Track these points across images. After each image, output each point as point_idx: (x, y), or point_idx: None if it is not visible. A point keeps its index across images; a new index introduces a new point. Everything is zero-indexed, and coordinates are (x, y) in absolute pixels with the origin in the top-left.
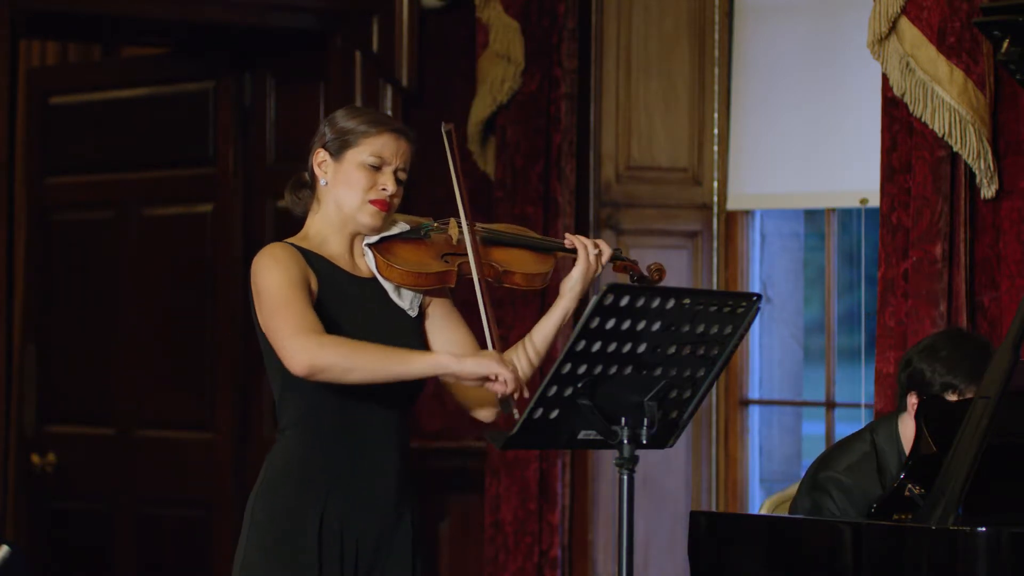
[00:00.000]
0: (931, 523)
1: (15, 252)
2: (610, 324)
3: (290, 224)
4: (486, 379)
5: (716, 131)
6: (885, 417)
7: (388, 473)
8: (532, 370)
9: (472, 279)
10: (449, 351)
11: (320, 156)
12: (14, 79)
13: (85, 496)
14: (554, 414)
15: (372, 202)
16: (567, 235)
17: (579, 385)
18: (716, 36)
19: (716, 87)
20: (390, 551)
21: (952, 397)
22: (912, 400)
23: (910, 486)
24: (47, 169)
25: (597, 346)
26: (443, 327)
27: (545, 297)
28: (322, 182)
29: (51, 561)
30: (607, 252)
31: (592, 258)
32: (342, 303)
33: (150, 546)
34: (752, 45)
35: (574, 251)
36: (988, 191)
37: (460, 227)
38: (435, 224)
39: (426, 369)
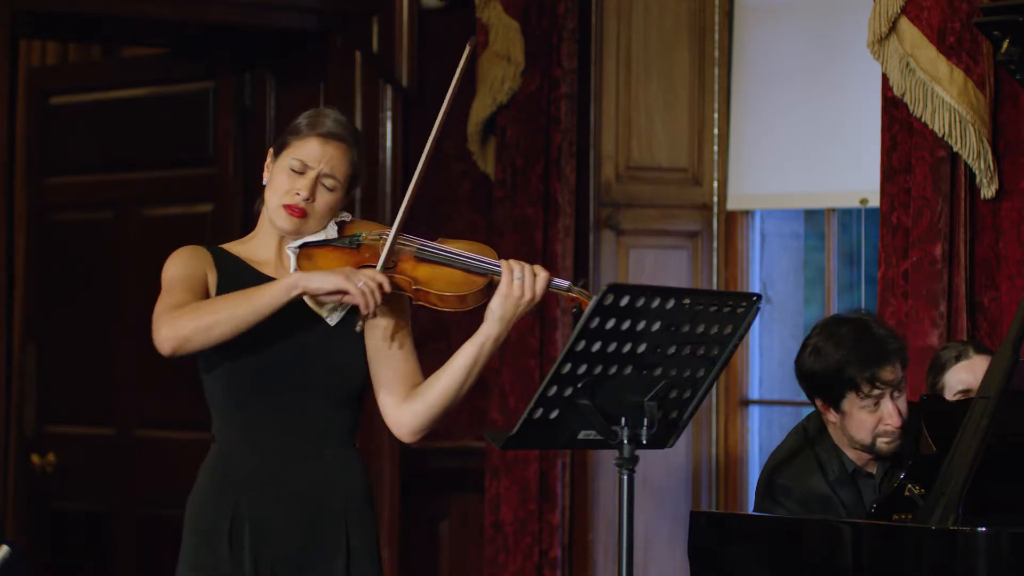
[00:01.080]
0: (931, 523)
1: (15, 252)
2: (610, 324)
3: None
4: (337, 294)
5: (716, 131)
6: (814, 414)
7: (311, 478)
8: (452, 395)
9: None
10: (378, 357)
11: (269, 157)
12: (14, 79)
13: (85, 496)
14: (554, 414)
15: (285, 207)
16: (501, 260)
17: (579, 385)
18: (716, 36)
19: (716, 87)
20: (316, 558)
21: (864, 391)
22: (819, 403)
23: (910, 486)
24: (47, 169)
25: (597, 346)
26: (380, 337)
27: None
28: (264, 181)
29: (51, 561)
30: (541, 281)
31: (515, 284)
32: None
33: (150, 546)
34: (752, 45)
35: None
36: (988, 191)
37: (400, 240)
38: (370, 234)
39: (280, 293)
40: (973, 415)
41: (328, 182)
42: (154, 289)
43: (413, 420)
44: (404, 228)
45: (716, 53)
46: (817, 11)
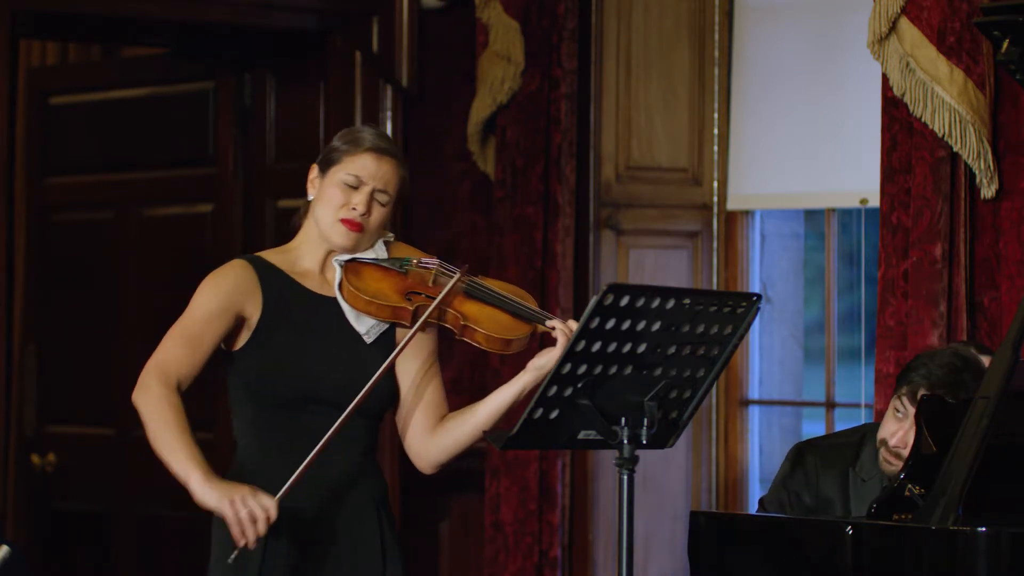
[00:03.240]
0: (931, 523)
1: (15, 252)
2: (610, 324)
3: (290, 224)
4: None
5: (716, 131)
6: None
7: (341, 485)
8: (471, 440)
9: (429, 323)
10: (409, 386)
11: (313, 172)
12: (14, 79)
13: (85, 496)
14: (554, 414)
15: (343, 221)
16: (551, 320)
17: (579, 385)
18: (716, 36)
19: (716, 87)
20: (354, 563)
21: (901, 394)
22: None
23: (910, 486)
24: (47, 169)
25: (597, 346)
26: (412, 367)
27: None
28: (310, 196)
29: (51, 561)
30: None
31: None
32: (292, 323)
33: (150, 546)
34: (752, 45)
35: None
36: (988, 191)
37: (444, 272)
38: (420, 261)
39: (178, 474)
40: (973, 415)
41: (382, 197)
42: (154, 289)
43: (439, 454)
44: (446, 260)
45: (716, 53)
46: (817, 11)
